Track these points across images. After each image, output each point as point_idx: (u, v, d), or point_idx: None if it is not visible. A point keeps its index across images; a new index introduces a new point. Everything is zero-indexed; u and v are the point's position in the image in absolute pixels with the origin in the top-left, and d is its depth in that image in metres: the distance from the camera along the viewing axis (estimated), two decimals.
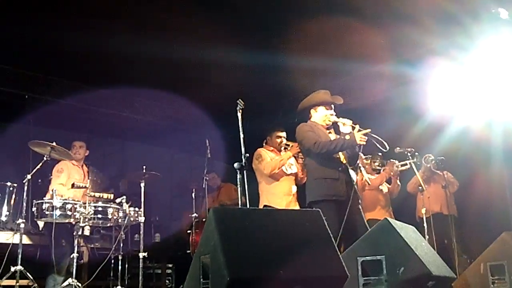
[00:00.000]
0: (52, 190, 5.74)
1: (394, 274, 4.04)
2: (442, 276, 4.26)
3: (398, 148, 6.72)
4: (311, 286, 3.34)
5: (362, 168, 6.28)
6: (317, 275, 3.40)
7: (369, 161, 6.64)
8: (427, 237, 6.30)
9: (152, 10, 6.40)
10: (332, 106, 5.46)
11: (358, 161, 5.56)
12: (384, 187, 7.23)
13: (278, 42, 6.91)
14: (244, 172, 4.82)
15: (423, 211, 6.62)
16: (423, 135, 7.42)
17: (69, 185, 6.26)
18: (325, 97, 5.46)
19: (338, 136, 5.33)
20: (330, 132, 5.43)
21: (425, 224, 6.50)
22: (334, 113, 5.43)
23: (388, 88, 7.75)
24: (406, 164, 7.00)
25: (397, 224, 4.39)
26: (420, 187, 6.80)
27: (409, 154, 6.76)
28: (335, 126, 5.47)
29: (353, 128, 5.17)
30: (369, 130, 5.15)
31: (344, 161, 5.27)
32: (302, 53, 7.00)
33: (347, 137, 5.11)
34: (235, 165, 4.80)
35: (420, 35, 6.59)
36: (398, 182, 7.22)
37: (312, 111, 5.48)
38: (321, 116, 5.44)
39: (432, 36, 6.72)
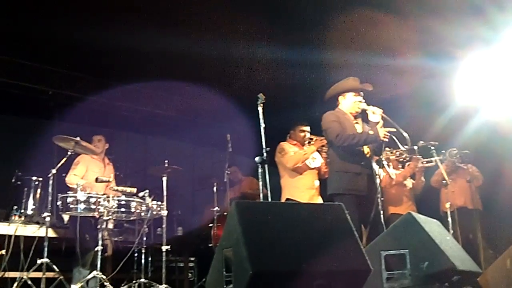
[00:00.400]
0: (77, 184, 5.80)
1: (418, 268, 4.01)
2: (467, 270, 4.21)
3: (421, 142, 6.63)
4: (334, 280, 3.33)
5: (385, 163, 6.21)
6: (340, 269, 3.38)
7: (394, 154, 6.55)
8: (451, 231, 6.22)
9: (174, 4, 6.42)
10: (361, 93, 5.36)
11: (382, 154, 5.50)
12: (409, 182, 7.16)
13: (302, 36, 6.89)
14: (266, 166, 4.81)
15: (448, 205, 6.54)
16: (448, 128, 7.34)
17: (87, 177, 6.32)
18: (354, 83, 5.35)
19: (364, 127, 5.27)
20: (357, 122, 5.33)
21: (449, 218, 6.41)
22: (364, 101, 5.33)
23: (412, 82, 7.68)
24: (431, 161, 6.90)
25: (421, 218, 4.35)
26: (444, 181, 6.71)
27: (432, 148, 6.66)
28: (363, 115, 5.38)
29: (383, 118, 5.10)
30: (393, 130, 5.08)
31: (368, 154, 5.21)
32: (326, 46, 6.97)
33: (371, 132, 5.05)
34: (256, 158, 4.80)
35: (444, 28, 6.51)
36: (423, 178, 7.14)
37: (340, 98, 5.38)
38: (350, 103, 5.32)
39: (456, 29, 6.63)
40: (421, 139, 6.69)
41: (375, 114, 5.11)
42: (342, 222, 3.64)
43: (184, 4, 6.36)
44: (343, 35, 6.81)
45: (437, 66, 7.27)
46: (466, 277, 4.24)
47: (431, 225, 4.44)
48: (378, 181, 5.18)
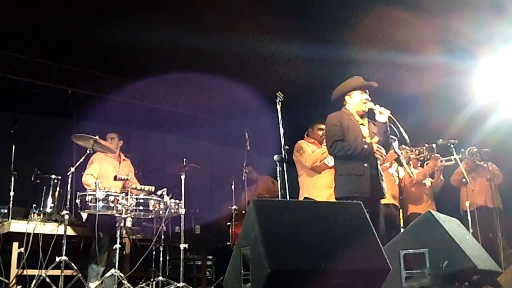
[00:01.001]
0: (95, 183, 5.83)
1: (438, 267, 3.98)
2: (487, 270, 4.17)
3: (441, 140, 6.55)
4: (352, 279, 3.31)
5: (404, 161, 6.14)
6: (358, 268, 3.37)
7: (414, 153, 6.47)
8: (471, 230, 6.16)
9: (193, 2, 6.43)
10: (367, 91, 5.28)
11: (399, 153, 5.44)
12: (427, 181, 7.09)
13: (324, 33, 6.86)
14: (284, 164, 4.80)
15: (467, 204, 6.48)
16: (467, 126, 7.27)
17: (101, 175, 6.35)
18: (359, 81, 5.28)
19: (370, 127, 5.21)
20: (362, 124, 5.23)
21: (469, 217, 6.35)
22: (370, 99, 5.24)
23: (432, 79, 7.61)
24: (450, 160, 6.81)
25: (441, 217, 4.32)
26: (464, 180, 6.63)
27: (452, 146, 6.58)
28: (370, 114, 5.33)
29: (390, 118, 5.04)
30: (380, 148, 5.02)
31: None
32: (347, 44, 6.94)
33: (365, 146, 4.98)
34: (275, 157, 4.79)
35: (464, 26, 6.45)
36: (442, 178, 7.06)
37: (347, 97, 5.29)
38: (356, 101, 5.23)
39: (476, 26, 6.56)
40: (440, 137, 6.62)
41: (382, 114, 5.03)
42: (361, 221, 3.62)
43: (204, 2, 6.36)
44: (364, 32, 6.77)
45: (457, 63, 7.21)
46: (486, 276, 4.20)
47: (450, 224, 4.40)
48: (383, 181, 5.11)
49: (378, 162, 5.14)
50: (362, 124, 5.23)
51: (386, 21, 6.46)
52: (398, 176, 6.09)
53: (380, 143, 5.10)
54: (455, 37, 6.89)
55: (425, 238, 4.15)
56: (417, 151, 6.25)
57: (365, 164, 4.98)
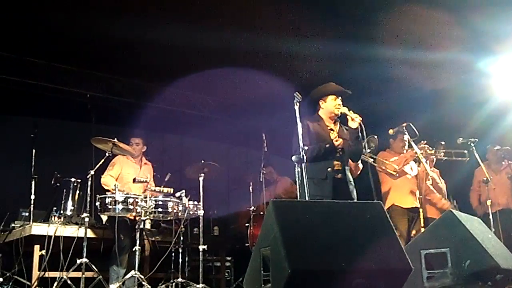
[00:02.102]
0: (115, 185, 5.86)
1: (460, 267, 3.94)
2: (510, 269, 4.11)
3: (461, 138, 6.48)
4: (373, 279, 3.29)
5: (423, 160, 6.07)
6: (379, 268, 3.34)
7: (433, 152, 6.40)
8: (492, 229, 6.08)
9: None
10: (340, 97, 5.35)
11: (419, 152, 5.40)
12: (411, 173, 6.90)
13: (342, 30, 6.84)
14: (302, 165, 4.78)
15: (489, 202, 6.41)
16: (486, 124, 7.20)
17: (121, 178, 6.38)
18: (334, 87, 5.38)
19: (341, 132, 5.27)
20: (332, 129, 5.29)
21: (490, 216, 6.28)
22: (342, 104, 5.30)
23: (451, 76, 7.55)
24: (464, 155, 6.67)
25: (462, 216, 4.28)
26: (485, 178, 6.56)
27: (472, 144, 6.51)
28: (343, 119, 5.36)
29: (361, 126, 5.08)
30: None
31: (341, 158, 5.15)
32: (366, 41, 6.90)
33: (327, 145, 5.05)
34: (293, 158, 4.78)
35: (483, 22, 6.38)
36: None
37: (321, 102, 5.39)
38: (329, 106, 5.32)
39: (495, 23, 6.49)
40: (459, 135, 6.55)
41: (354, 121, 5.11)
42: (381, 220, 3.60)
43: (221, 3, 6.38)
44: (384, 30, 6.72)
45: (476, 60, 7.14)
46: (510, 275, 4.14)
47: (472, 222, 4.36)
48: (351, 186, 5.15)
49: (346, 168, 5.16)
50: (332, 129, 5.31)
51: (406, 18, 6.42)
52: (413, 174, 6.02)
53: (350, 148, 5.19)
54: (474, 33, 6.82)
55: (446, 238, 4.12)
56: (437, 150, 6.21)
57: (328, 169, 5.05)
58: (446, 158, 6.61)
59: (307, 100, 5.41)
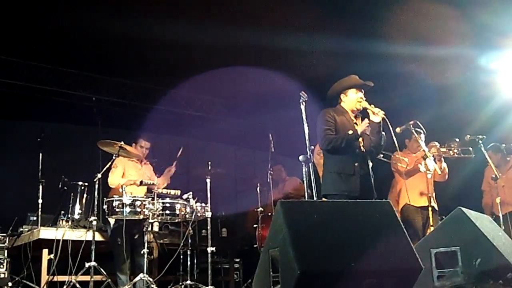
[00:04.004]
0: (121, 187, 5.86)
1: (471, 265, 3.90)
2: None
3: (468, 135, 6.42)
4: (384, 279, 3.27)
5: (430, 157, 6.03)
6: (390, 268, 3.32)
7: (445, 149, 6.33)
8: (502, 227, 6.03)
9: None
10: (363, 90, 5.22)
11: (426, 149, 5.36)
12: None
13: (350, 27, 6.83)
14: (310, 165, 4.76)
15: (498, 200, 6.35)
16: (493, 120, 7.16)
17: (125, 180, 6.37)
18: (355, 80, 5.24)
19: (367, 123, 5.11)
20: (356, 123, 5.15)
21: (500, 214, 6.23)
22: (364, 98, 5.17)
23: (457, 72, 7.51)
24: (469, 152, 6.60)
25: (472, 214, 4.24)
26: (493, 176, 6.51)
27: (480, 141, 6.44)
28: (364, 114, 5.22)
29: (384, 120, 4.97)
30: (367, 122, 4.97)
31: (363, 153, 5.03)
32: (374, 37, 6.88)
33: (350, 132, 4.93)
34: (300, 157, 4.77)
35: (490, 17, 6.35)
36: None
37: (342, 95, 5.23)
38: (351, 100, 5.17)
39: (502, 18, 6.46)
40: (465, 131, 6.50)
41: (376, 114, 4.97)
42: (390, 219, 3.57)
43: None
44: (391, 26, 6.69)
45: (482, 56, 7.10)
46: None
47: (482, 220, 4.32)
48: (372, 180, 5.03)
49: (369, 162, 5.07)
50: (356, 123, 5.16)
51: (412, 14, 6.41)
52: (430, 172, 5.96)
53: (372, 144, 5.05)
54: (480, 29, 6.79)
55: (456, 236, 4.08)
56: (448, 148, 6.15)
57: (356, 164, 4.91)
58: (462, 155, 6.53)
59: (328, 93, 5.31)
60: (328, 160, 5.11)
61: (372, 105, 5.06)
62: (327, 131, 4.97)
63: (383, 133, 5.03)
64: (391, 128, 4.98)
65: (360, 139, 4.99)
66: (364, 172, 4.97)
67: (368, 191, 4.92)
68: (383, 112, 4.97)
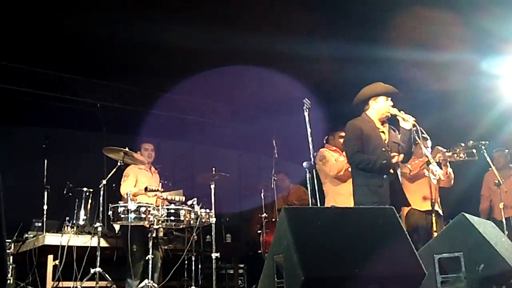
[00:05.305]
0: (126, 194, 5.88)
1: (474, 271, 3.91)
2: None
3: (471, 141, 6.42)
4: (387, 285, 3.28)
5: (433, 163, 6.03)
6: (393, 274, 3.33)
7: (450, 153, 6.32)
8: (506, 232, 6.03)
9: (221, 4, 6.46)
10: (390, 98, 5.15)
11: (429, 156, 5.37)
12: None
13: (352, 32, 6.85)
14: (314, 171, 4.78)
15: (501, 205, 6.36)
16: (495, 125, 7.17)
17: (137, 189, 6.40)
18: (386, 87, 5.17)
19: (391, 134, 5.09)
20: (382, 131, 5.10)
21: (503, 219, 6.24)
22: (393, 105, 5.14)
23: (460, 78, 7.53)
24: (473, 155, 6.59)
25: (475, 220, 4.25)
26: (497, 181, 6.51)
27: (483, 147, 6.44)
28: (392, 120, 5.20)
29: (414, 126, 4.96)
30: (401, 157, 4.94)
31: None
32: (377, 42, 6.90)
33: (384, 161, 4.85)
34: (304, 164, 4.79)
35: (492, 23, 6.37)
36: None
37: (371, 101, 5.14)
38: (381, 107, 5.10)
39: (504, 23, 6.48)
40: (468, 137, 6.50)
41: (406, 121, 4.95)
42: (393, 226, 3.59)
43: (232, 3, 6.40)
44: (394, 31, 6.70)
45: (484, 61, 7.12)
46: None
47: (485, 226, 4.34)
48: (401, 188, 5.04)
49: (398, 171, 5.05)
50: (382, 132, 5.11)
51: (415, 19, 6.42)
52: (435, 178, 5.96)
53: (402, 151, 5.01)
54: (482, 35, 6.80)
55: (459, 242, 4.09)
56: (453, 152, 6.15)
57: (384, 176, 4.88)
58: (469, 158, 6.52)
59: (357, 97, 5.23)
60: (356, 174, 5.07)
61: (402, 112, 5.03)
62: (354, 147, 4.95)
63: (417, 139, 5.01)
64: (424, 131, 4.96)
65: (395, 160, 4.92)
66: (393, 181, 4.94)
67: (400, 200, 4.91)
68: (414, 119, 4.94)
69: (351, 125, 5.10)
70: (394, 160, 4.88)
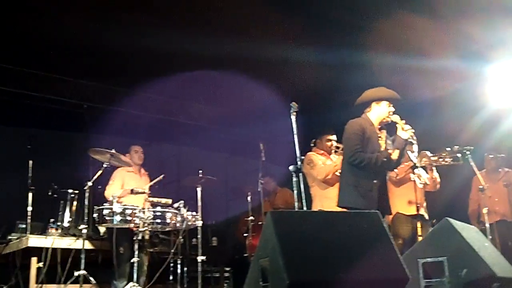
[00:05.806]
0: (112, 196, 5.85)
1: (457, 276, 3.95)
2: (507, 277, 4.13)
3: (456, 146, 6.47)
4: None
5: (419, 168, 6.07)
6: (377, 278, 3.35)
7: (436, 158, 6.36)
8: (489, 237, 6.08)
9: (205, 8, 6.45)
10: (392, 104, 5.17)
11: (415, 161, 5.42)
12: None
13: (337, 38, 6.88)
14: (300, 175, 4.79)
15: (485, 210, 6.40)
16: (481, 131, 7.23)
17: (121, 191, 6.37)
18: (391, 93, 5.16)
19: (387, 142, 5.11)
20: (380, 137, 5.12)
21: (487, 224, 6.28)
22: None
23: (445, 84, 7.59)
24: (457, 159, 6.65)
25: (458, 225, 4.29)
26: (481, 187, 6.56)
27: (468, 152, 6.49)
28: (389, 127, 5.24)
29: (412, 137, 4.98)
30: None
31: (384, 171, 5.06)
32: (360, 48, 6.93)
33: (385, 159, 4.90)
34: (291, 167, 4.78)
35: (477, 30, 6.43)
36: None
37: (374, 104, 5.13)
38: (382, 111, 5.10)
39: (489, 30, 6.55)
40: (454, 142, 6.55)
41: (405, 131, 4.96)
42: (378, 230, 3.61)
43: (216, 7, 6.39)
44: (378, 37, 6.73)
45: (470, 68, 7.18)
46: (506, 284, 4.16)
47: (469, 231, 4.38)
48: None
49: (387, 177, 5.08)
50: (380, 137, 5.13)
51: (400, 26, 6.46)
52: (421, 182, 6.00)
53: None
54: (468, 41, 6.86)
55: (443, 246, 4.13)
56: (439, 156, 6.20)
57: (375, 181, 4.91)
58: (453, 163, 6.57)
59: (361, 98, 5.21)
60: (347, 172, 5.06)
61: (403, 121, 5.04)
62: (357, 146, 4.93)
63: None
64: (415, 144, 5.03)
65: (395, 158, 4.97)
66: (382, 188, 4.97)
67: (385, 208, 4.94)
68: (413, 130, 4.96)
69: (354, 123, 5.08)
70: (393, 157, 4.93)
